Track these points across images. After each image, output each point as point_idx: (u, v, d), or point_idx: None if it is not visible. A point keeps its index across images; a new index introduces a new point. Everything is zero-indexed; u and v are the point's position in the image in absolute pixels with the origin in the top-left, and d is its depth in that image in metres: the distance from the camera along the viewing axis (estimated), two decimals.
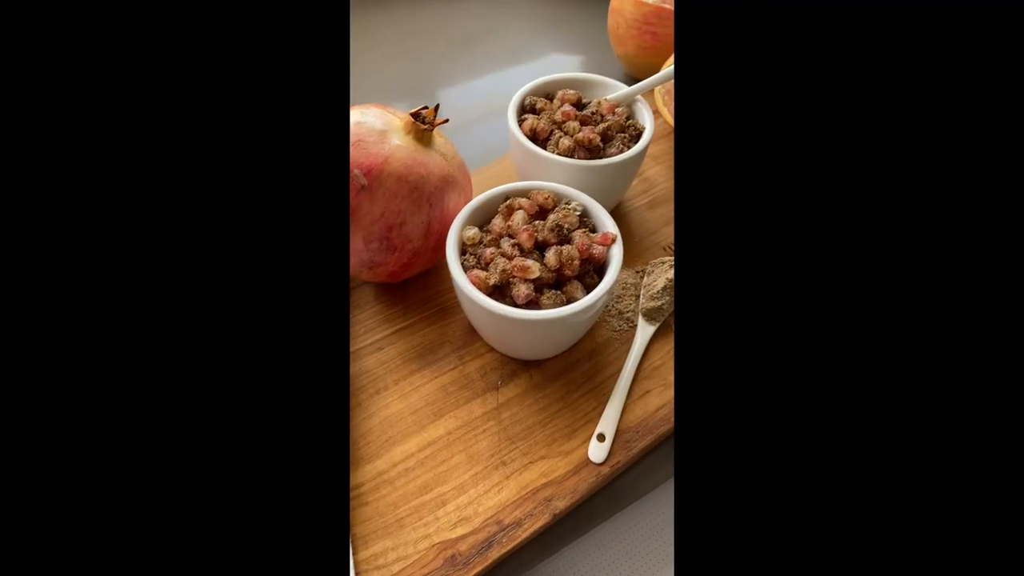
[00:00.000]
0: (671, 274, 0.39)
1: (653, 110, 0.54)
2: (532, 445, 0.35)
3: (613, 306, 0.41)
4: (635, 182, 0.49)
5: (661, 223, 0.46)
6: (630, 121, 0.41)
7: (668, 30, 0.53)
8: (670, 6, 0.53)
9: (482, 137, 0.55)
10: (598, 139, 0.39)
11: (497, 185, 0.37)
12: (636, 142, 0.40)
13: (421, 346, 0.39)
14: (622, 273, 0.42)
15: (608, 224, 0.35)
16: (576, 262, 0.32)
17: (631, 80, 0.62)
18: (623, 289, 0.41)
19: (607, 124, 0.39)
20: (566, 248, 0.32)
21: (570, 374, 0.38)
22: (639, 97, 0.43)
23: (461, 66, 0.65)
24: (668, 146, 0.52)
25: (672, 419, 0.36)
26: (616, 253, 0.34)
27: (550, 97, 0.43)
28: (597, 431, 0.35)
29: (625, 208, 0.48)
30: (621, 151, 0.39)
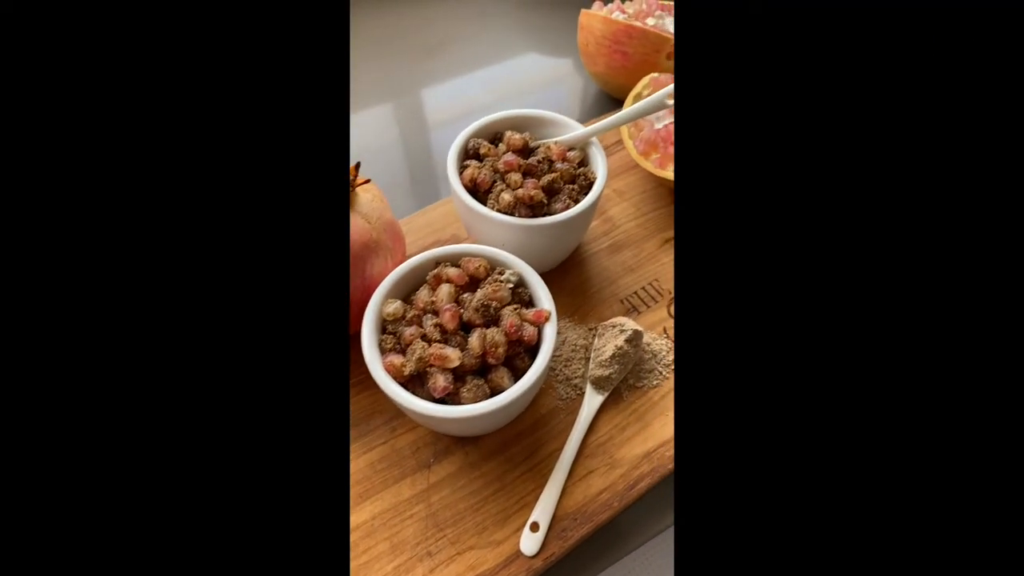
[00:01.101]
0: (621, 340, 0.36)
1: (616, 142, 0.50)
2: (461, 533, 0.32)
3: (560, 371, 0.38)
4: (596, 223, 0.46)
5: (622, 271, 0.43)
6: (582, 169, 0.38)
7: (639, 50, 0.49)
8: (640, 24, 0.49)
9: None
10: (541, 195, 0.35)
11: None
12: (587, 193, 0.37)
13: (351, 416, 0.36)
14: (572, 333, 0.39)
15: (543, 299, 0.32)
16: (501, 349, 0.29)
17: (605, 97, 0.58)
18: (572, 351, 0.38)
19: (552, 176, 0.36)
20: (491, 332, 0.29)
21: (509, 450, 0.35)
22: (594, 139, 0.39)
23: (438, 67, 0.62)
24: (634, 180, 0.48)
25: (613, 505, 0.33)
26: (549, 333, 0.31)
27: (497, 140, 0.40)
28: (531, 519, 0.32)
29: (583, 252, 0.44)
30: (568, 206, 0.36)
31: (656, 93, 0.35)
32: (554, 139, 0.40)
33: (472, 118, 0.41)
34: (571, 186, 0.37)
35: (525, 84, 0.61)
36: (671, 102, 0.33)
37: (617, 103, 0.57)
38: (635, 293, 0.42)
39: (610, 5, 0.53)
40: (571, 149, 0.39)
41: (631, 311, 0.41)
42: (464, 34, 0.66)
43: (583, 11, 0.51)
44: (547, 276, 0.42)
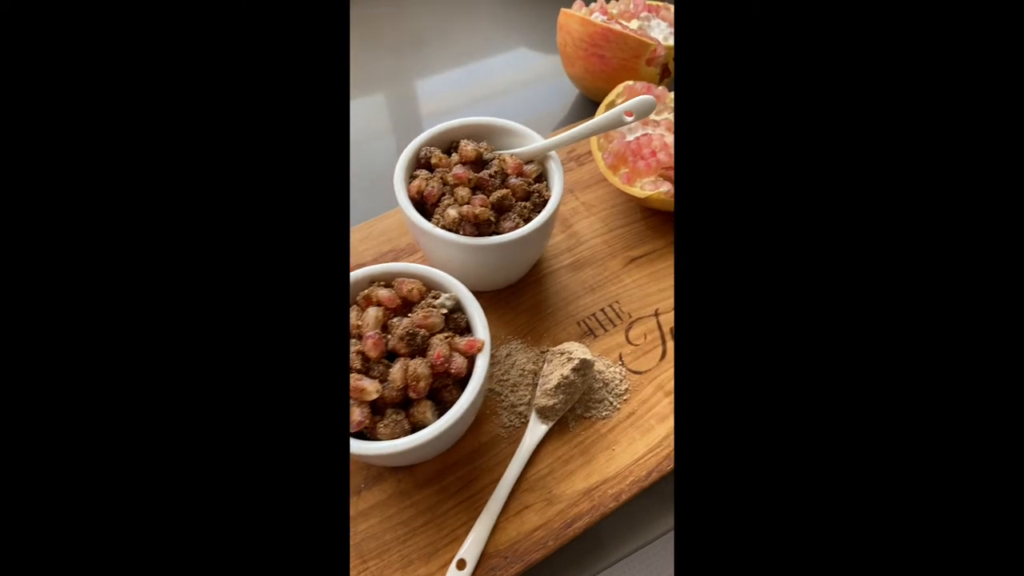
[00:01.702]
0: (568, 369, 0.34)
1: (589, 152, 0.48)
2: (385, 567, 0.31)
3: (506, 396, 0.36)
4: (560, 237, 0.44)
5: (581, 291, 0.41)
6: (536, 185, 0.36)
7: (616, 54, 0.46)
8: (619, 27, 0.46)
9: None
10: (488, 212, 0.33)
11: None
12: (541, 211, 0.35)
13: None
14: (522, 356, 0.37)
15: (479, 327, 0.30)
16: (423, 383, 0.27)
17: (585, 101, 0.55)
18: (520, 376, 0.36)
19: (503, 193, 0.34)
20: (415, 363, 0.28)
21: (444, 479, 0.34)
22: (553, 153, 0.37)
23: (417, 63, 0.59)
24: (604, 193, 0.46)
25: (548, 544, 0.32)
26: (481, 365, 0.29)
27: (452, 149, 0.38)
28: (458, 556, 0.31)
29: (543, 268, 0.42)
30: (518, 225, 0.34)
31: (613, 109, 0.33)
32: (511, 151, 0.37)
33: (445, 118, 0.39)
34: (524, 203, 0.35)
35: (506, 83, 0.58)
36: (629, 119, 0.31)
37: (596, 108, 0.54)
38: (593, 315, 0.40)
39: (592, 4, 0.50)
40: (529, 162, 0.37)
41: (587, 335, 0.39)
42: (447, 28, 0.63)
43: (563, 10, 0.48)
44: (502, 294, 0.41)
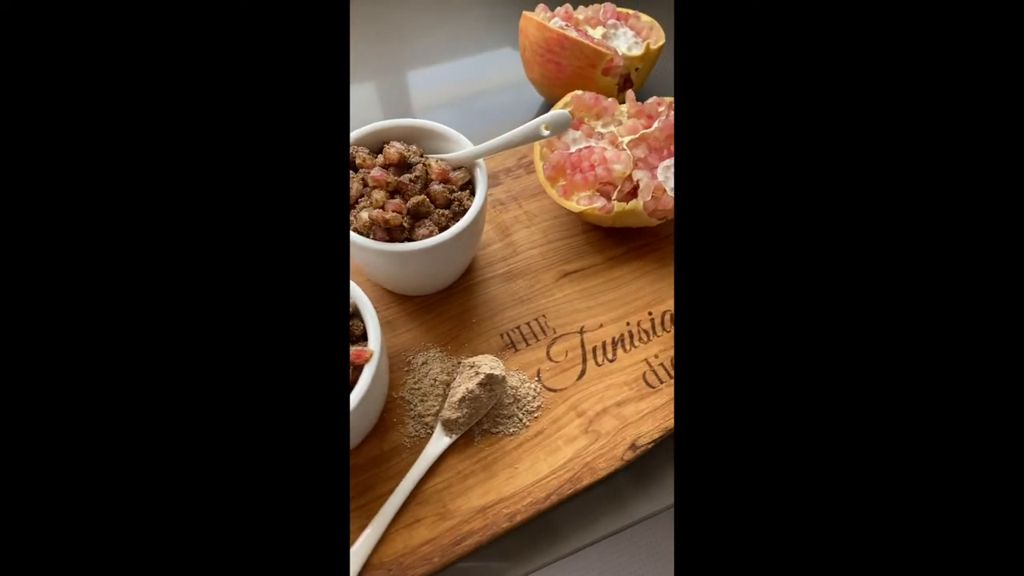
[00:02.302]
0: (473, 383, 0.33)
1: (527, 164, 0.47)
2: None
3: (415, 406, 0.35)
4: (498, 245, 0.43)
5: (511, 302, 0.40)
6: (458, 194, 0.35)
7: (571, 62, 0.45)
8: (576, 35, 0.45)
9: None
10: (400, 218, 0.32)
11: None
12: (459, 220, 0.34)
13: None
14: (437, 366, 0.36)
15: (372, 337, 0.29)
16: None
17: (546, 108, 0.54)
18: (431, 386, 0.36)
19: (419, 199, 0.33)
20: None
21: None
22: (480, 161, 0.36)
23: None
24: (547, 204, 0.45)
25: (434, 560, 0.31)
26: (366, 375, 0.28)
27: (381, 150, 0.37)
28: None
29: (477, 276, 0.41)
30: (432, 233, 0.33)
31: (530, 122, 0.32)
32: (440, 156, 0.37)
33: (418, 115, 0.39)
34: (443, 211, 0.34)
35: (474, 84, 0.58)
36: (547, 132, 0.30)
37: None
38: (518, 328, 0.39)
39: (558, 9, 0.49)
40: (457, 169, 0.36)
41: (508, 348, 0.38)
42: (432, 24, 0.63)
43: (524, 14, 0.47)
44: (430, 299, 0.40)
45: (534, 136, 0.31)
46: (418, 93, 0.56)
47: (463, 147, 0.37)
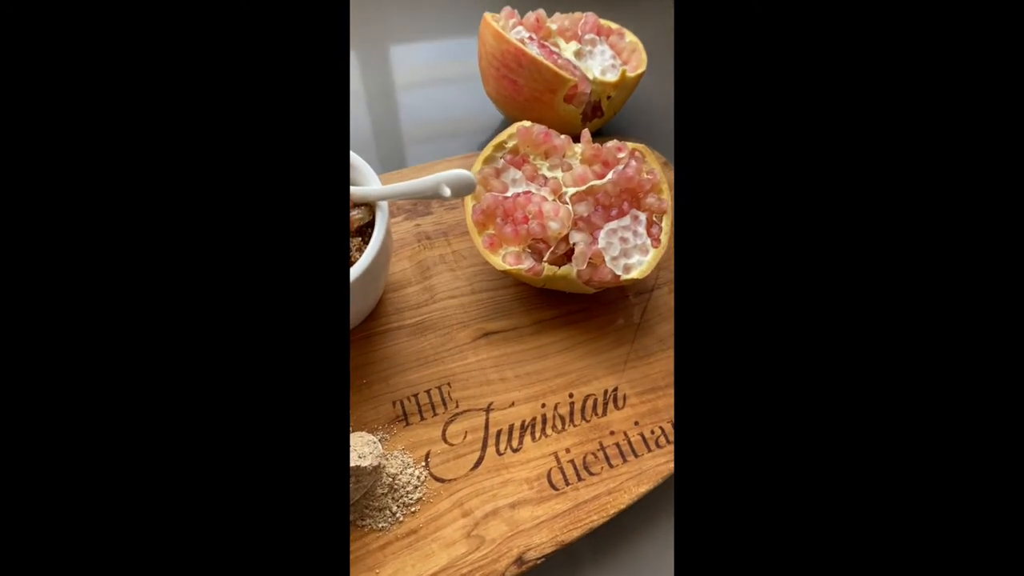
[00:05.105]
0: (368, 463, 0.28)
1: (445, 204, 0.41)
2: None
3: None
4: (414, 289, 0.37)
5: (415, 362, 0.35)
6: (352, 241, 0.29)
7: (529, 83, 0.39)
8: (536, 52, 0.38)
9: None
10: None
11: None
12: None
13: None
14: None
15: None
16: None
17: (504, 124, 0.47)
18: None
19: None
20: None
21: None
22: (384, 204, 0.30)
23: None
24: (469, 245, 0.38)
25: None
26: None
27: None
28: None
29: (381, 325, 0.36)
30: None
31: (430, 177, 0.26)
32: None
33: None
34: None
35: (437, 73, 0.51)
36: (448, 193, 0.24)
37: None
38: (415, 396, 0.34)
39: (529, 15, 0.42)
40: (358, 206, 0.30)
41: (399, 420, 0.33)
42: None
43: (485, 16, 0.40)
44: None
45: (433, 194, 0.25)
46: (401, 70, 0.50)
47: (369, 180, 0.31)
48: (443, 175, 0.25)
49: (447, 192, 0.25)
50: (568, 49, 0.42)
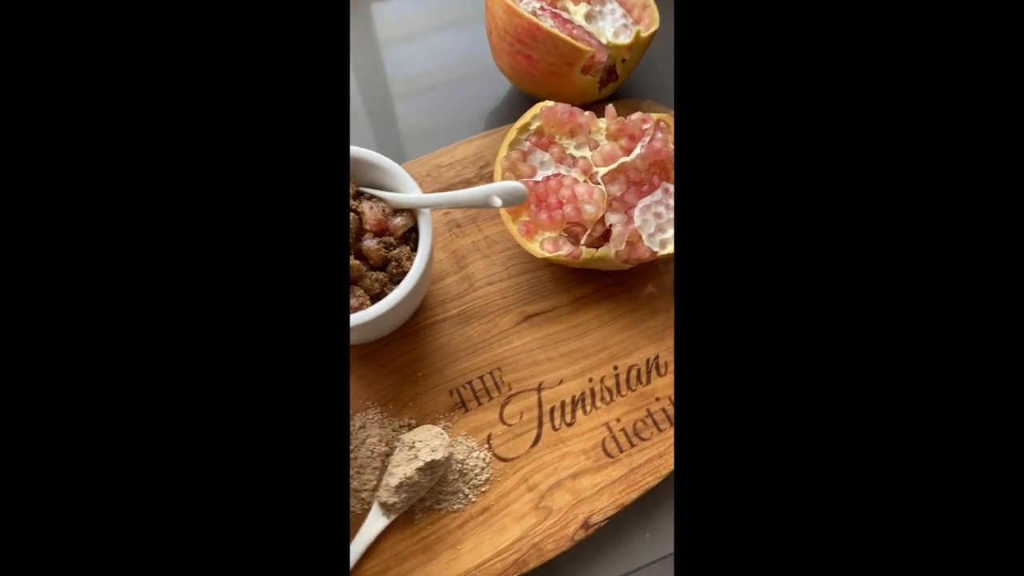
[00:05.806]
0: (412, 469, 0.30)
1: (488, 175, 0.40)
2: None
3: (351, 479, 0.32)
4: (453, 279, 0.38)
5: (464, 351, 0.36)
6: (395, 251, 0.29)
7: (545, 58, 0.38)
8: (551, 25, 0.37)
9: None
10: None
11: None
12: (398, 284, 0.29)
13: None
14: (377, 432, 0.33)
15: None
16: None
17: (521, 97, 0.46)
18: (368, 457, 0.32)
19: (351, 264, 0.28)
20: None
21: None
22: (426, 211, 0.30)
23: None
24: (507, 230, 0.38)
25: None
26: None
27: None
28: None
29: (426, 318, 0.37)
30: (363, 304, 0.28)
31: (480, 189, 0.26)
32: (376, 192, 0.31)
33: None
34: (377, 274, 0.29)
35: (447, 62, 0.49)
36: (499, 203, 0.25)
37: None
38: (470, 384, 0.35)
39: None
40: (398, 213, 0.30)
41: (458, 407, 0.35)
42: None
43: None
44: (369, 348, 0.36)
45: (483, 203, 0.26)
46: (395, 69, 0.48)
47: (403, 184, 0.31)
48: (493, 187, 0.25)
49: (498, 202, 0.25)
50: (578, 12, 0.41)
